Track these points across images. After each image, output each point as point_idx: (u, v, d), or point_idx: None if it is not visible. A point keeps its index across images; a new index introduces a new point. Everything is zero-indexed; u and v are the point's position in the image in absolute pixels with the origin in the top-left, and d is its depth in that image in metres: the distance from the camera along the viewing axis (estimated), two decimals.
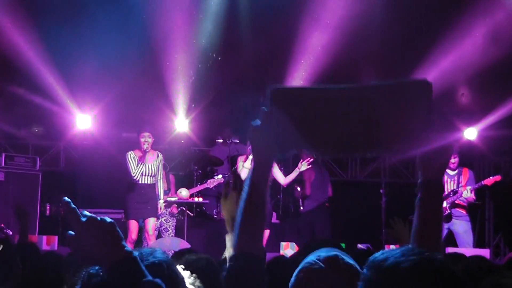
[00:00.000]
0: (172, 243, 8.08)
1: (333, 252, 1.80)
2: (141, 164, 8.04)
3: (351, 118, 1.61)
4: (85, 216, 1.43)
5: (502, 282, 2.48)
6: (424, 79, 1.62)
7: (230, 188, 2.16)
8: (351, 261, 1.74)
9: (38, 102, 9.41)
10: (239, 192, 2.09)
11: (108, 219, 1.44)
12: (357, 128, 1.60)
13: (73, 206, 1.45)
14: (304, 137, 1.66)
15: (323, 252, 1.79)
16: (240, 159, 8.32)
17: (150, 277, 1.41)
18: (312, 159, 8.46)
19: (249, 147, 7.78)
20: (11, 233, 7.79)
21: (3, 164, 9.25)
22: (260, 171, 1.74)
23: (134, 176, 7.87)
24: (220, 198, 7.32)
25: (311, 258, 1.79)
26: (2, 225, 8.49)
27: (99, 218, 1.43)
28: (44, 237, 8.00)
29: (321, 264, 1.75)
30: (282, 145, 1.71)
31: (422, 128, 1.58)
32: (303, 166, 8.45)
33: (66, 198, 1.48)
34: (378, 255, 1.38)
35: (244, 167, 7.89)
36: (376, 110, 1.63)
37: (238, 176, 2.12)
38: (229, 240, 2.15)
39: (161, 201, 8.36)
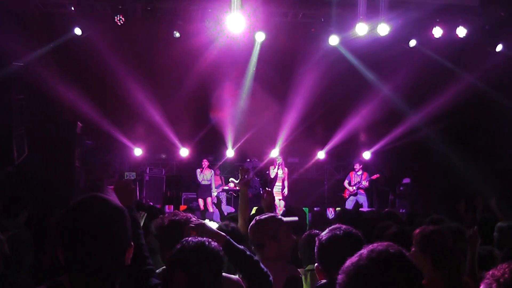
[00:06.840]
0: (226, 209, 13.35)
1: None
2: (201, 174, 13.28)
3: None
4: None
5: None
6: None
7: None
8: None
9: (165, 142, 14.24)
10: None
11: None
12: None
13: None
14: None
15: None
16: (271, 167, 12.89)
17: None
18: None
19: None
20: (152, 203, 10.96)
21: (148, 172, 14.08)
22: None
23: (199, 179, 13.24)
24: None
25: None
26: (148, 200, 12.91)
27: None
28: (166, 206, 12.51)
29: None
30: None
31: None
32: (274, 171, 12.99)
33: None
34: None
35: (273, 171, 12.83)
36: None
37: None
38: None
39: (214, 193, 13.34)
